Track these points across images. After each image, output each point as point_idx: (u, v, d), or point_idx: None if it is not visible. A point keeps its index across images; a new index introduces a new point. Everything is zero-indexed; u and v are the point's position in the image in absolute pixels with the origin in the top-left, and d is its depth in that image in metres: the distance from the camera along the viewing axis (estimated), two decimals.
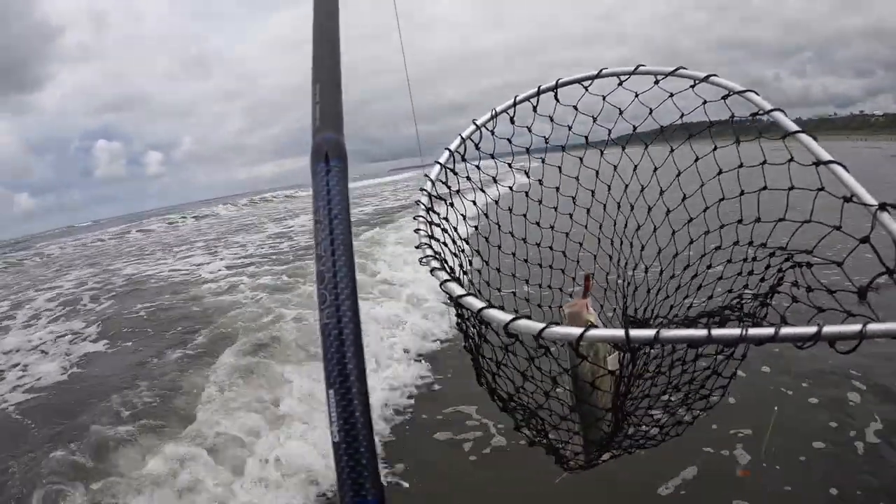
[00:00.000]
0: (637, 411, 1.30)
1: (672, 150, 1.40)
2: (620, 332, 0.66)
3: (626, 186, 1.49)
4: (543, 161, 1.58)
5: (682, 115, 1.30)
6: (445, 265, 0.99)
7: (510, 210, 1.60)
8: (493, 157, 1.50)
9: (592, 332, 0.68)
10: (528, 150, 1.53)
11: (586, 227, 1.60)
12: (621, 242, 1.52)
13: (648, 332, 0.65)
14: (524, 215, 1.61)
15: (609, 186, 1.52)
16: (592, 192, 1.56)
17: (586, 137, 1.49)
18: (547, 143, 1.52)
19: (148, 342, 6.72)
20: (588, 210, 1.59)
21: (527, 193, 1.63)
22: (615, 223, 1.54)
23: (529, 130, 1.49)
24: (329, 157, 0.52)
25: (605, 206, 1.56)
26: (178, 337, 6.63)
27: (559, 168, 1.62)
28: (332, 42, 0.61)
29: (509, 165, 1.54)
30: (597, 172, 1.55)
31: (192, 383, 4.89)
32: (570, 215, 1.63)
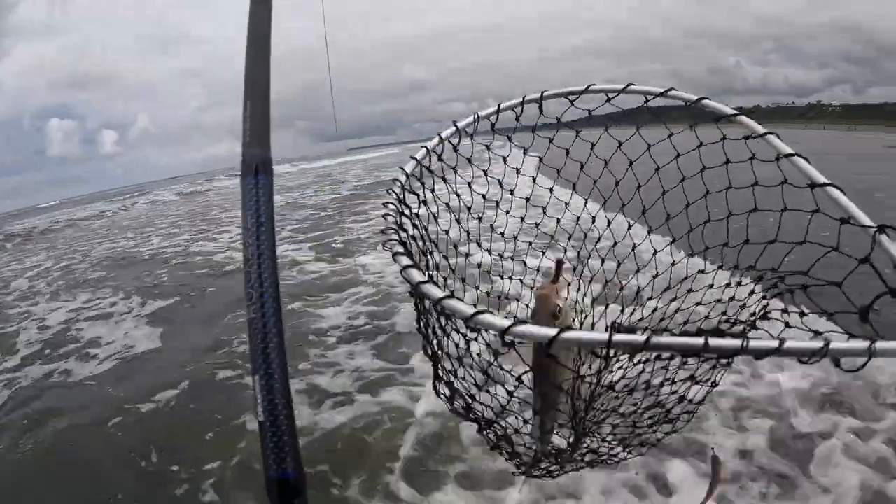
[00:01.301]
0: (602, 424, 1.22)
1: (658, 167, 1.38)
2: (602, 336, 0.57)
3: (595, 182, 1.46)
4: (518, 172, 1.54)
5: (671, 135, 1.28)
6: (409, 249, 0.89)
7: (484, 197, 1.53)
8: (469, 161, 1.44)
9: (569, 335, 0.58)
10: (504, 160, 1.49)
11: (558, 220, 1.55)
12: (589, 256, 1.48)
13: (637, 338, 0.56)
14: (505, 205, 1.54)
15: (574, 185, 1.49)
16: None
17: (567, 151, 1.47)
18: (525, 153, 1.49)
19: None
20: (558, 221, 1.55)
21: (507, 186, 1.57)
22: (585, 236, 1.50)
23: (510, 140, 1.45)
24: (258, 171, 0.56)
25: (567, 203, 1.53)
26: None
27: (533, 179, 1.59)
28: (264, 61, 0.65)
29: (484, 172, 1.48)
30: (558, 171, 1.52)
31: None
32: (543, 208, 1.58)
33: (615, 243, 1.42)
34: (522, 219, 1.52)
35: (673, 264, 1.31)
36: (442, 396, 1.17)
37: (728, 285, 1.17)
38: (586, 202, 1.53)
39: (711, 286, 1.23)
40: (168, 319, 7.22)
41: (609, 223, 1.47)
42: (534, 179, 1.49)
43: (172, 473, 3.77)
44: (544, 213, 1.54)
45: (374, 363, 5.29)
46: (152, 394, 4.90)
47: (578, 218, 1.53)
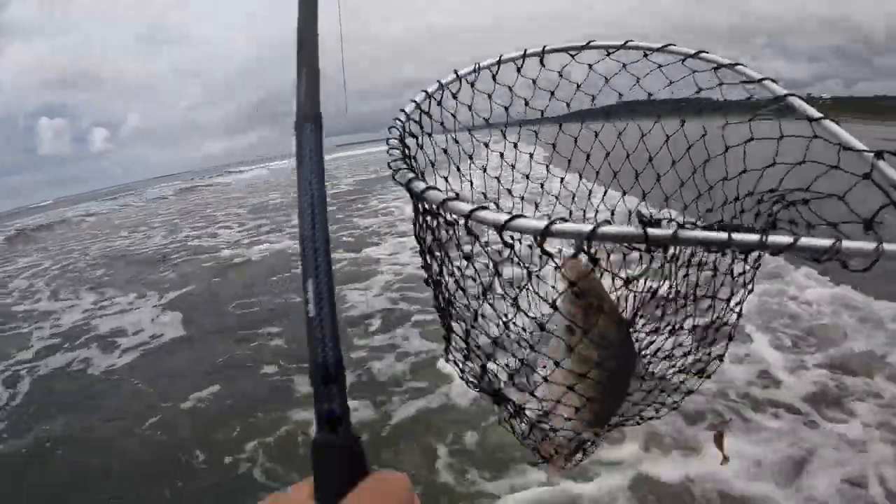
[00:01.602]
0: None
1: (658, 119, 1.40)
2: (635, 230, 0.60)
3: (596, 137, 1.47)
4: (521, 126, 1.54)
5: (670, 83, 1.31)
6: (411, 165, 0.88)
7: (486, 145, 1.53)
8: (469, 108, 1.43)
9: (606, 229, 0.61)
10: (506, 110, 1.50)
11: (556, 202, 1.56)
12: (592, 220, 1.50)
13: (664, 231, 0.60)
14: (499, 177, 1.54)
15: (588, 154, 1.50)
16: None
17: (568, 104, 1.47)
18: (527, 104, 1.50)
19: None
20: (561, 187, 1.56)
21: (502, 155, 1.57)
22: (591, 195, 1.51)
23: (510, 90, 1.44)
24: (310, 123, 0.68)
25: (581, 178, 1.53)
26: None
27: (536, 134, 1.59)
28: (313, 30, 0.76)
29: (486, 121, 1.48)
30: (576, 140, 1.53)
31: None
32: (542, 184, 1.58)
33: (618, 204, 1.43)
34: (527, 176, 1.53)
35: (685, 207, 1.33)
36: (452, 362, 1.11)
37: (732, 217, 1.18)
38: (585, 167, 1.54)
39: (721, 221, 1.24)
40: (185, 310, 7.40)
41: (611, 187, 1.49)
42: (536, 134, 1.49)
43: (217, 460, 4.01)
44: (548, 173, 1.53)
45: (423, 344, 5.36)
46: (186, 388, 5.08)
47: (578, 184, 1.55)
